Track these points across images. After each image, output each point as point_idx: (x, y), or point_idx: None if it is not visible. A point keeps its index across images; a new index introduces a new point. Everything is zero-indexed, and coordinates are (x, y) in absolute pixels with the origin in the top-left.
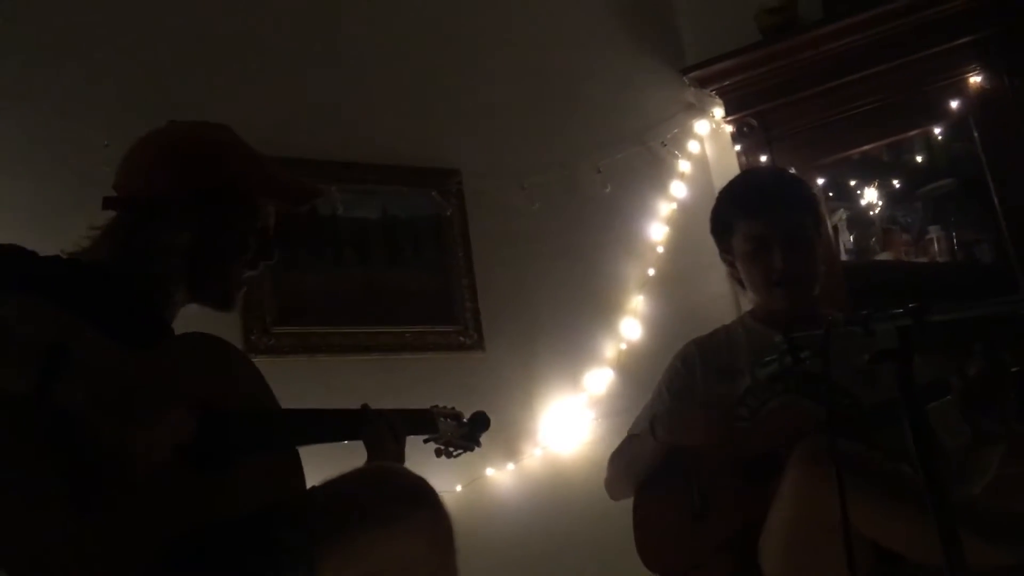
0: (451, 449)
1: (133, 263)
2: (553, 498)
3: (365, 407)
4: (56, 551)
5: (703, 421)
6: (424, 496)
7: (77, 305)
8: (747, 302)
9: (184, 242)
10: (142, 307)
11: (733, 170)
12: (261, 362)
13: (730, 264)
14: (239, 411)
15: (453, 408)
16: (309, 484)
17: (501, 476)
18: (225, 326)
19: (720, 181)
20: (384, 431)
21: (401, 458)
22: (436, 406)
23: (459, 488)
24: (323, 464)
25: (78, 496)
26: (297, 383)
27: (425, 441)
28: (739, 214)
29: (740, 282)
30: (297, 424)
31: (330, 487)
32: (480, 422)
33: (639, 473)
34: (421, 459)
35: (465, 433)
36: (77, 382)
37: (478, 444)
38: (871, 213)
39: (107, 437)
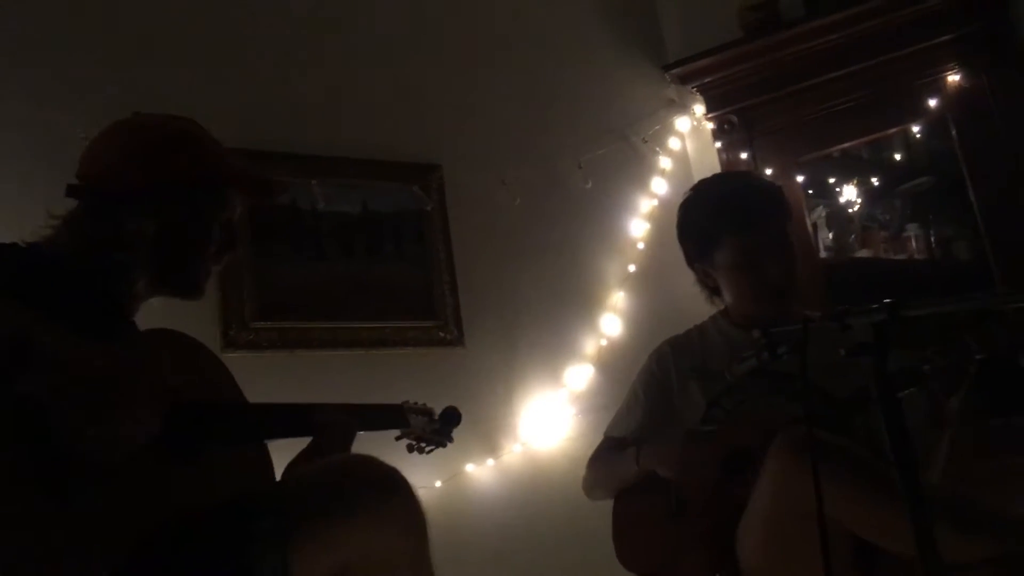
0: (423, 444)
1: (95, 253)
2: (533, 494)
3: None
4: (25, 545)
5: (688, 458)
6: (396, 485)
7: (36, 298)
8: (717, 305)
9: (150, 232)
10: (103, 300)
11: (714, 167)
12: (240, 357)
13: (703, 273)
14: (208, 403)
15: (424, 404)
16: (278, 476)
17: (481, 472)
18: (204, 321)
19: (701, 178)
20: (339, 428)
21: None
22: (407, 402)
23: (438, 484)
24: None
25: (47, 488)
26: (276, 378)
27: (397, 438)
28: (728, 228)
29: (712, 289)
30: (265, 417)
31: (302, 476)
32: (451, 417)
33: (619, 487)
34: (399, 455)
35: (436, 428)
36: (40, 374)
37: (450, 439)
38: (850, 210)
39: (71, 429)
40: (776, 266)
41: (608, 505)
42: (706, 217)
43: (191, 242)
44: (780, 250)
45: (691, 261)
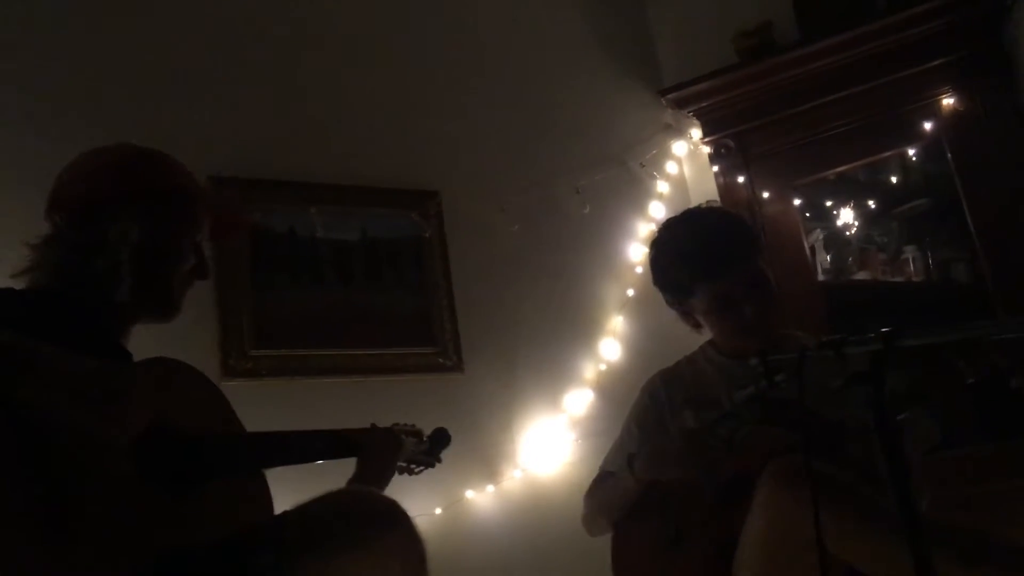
0: (412, 466)
1: (79, 264)
2: (533, 520)
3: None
4: None
5: (680, 454)
6: (396, 518)
7: (31, 336)
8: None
9: (133, 235)
10: (96, 331)
11: (711, 190)
12: (239, 385)
13: (683, 314)
14: (206, 435)
15: (413, 425)
16: (283, 506)
17: (481, 498)
18: (203, 349)
19: (698, 201)
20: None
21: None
22: (396, 424)
23: (439, 511)
24: (294, 485)
25: (48, 522)
26: (276, 406)
27: None
28: (699, 278)
29: (695, 325)
30: (263, 446)
31: (301, 510)
32: (440, 439)
33: (616, 511)
34: (397, 481)
35: (426, 450)
36: (41, 378)
37: (439, 460)
38: (847, 233)
39: (77, 429)
40: (752, 306)
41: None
42: (675, 267)
43: (167, 255)
44: (754, 290)
45: (669, 303)
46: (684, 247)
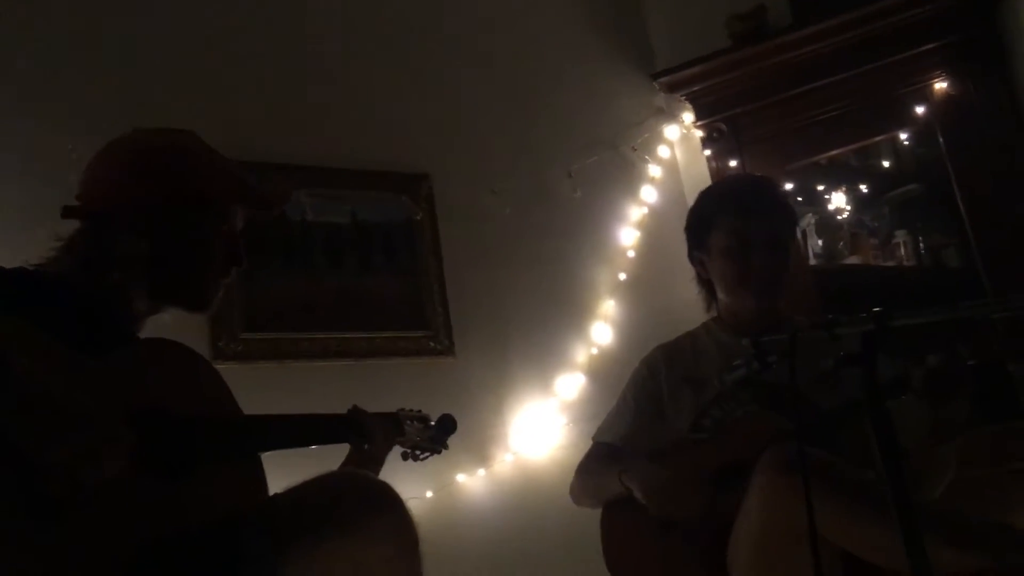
0: (418, 452)
1: (93, 274)
2: (524, 504)
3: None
4: (13, 568)
5: (680, 495)
6: (388, 502)
7: (32, 315)
8: (712, 309)
9: (143, 252)
10: (101, 316)
11: (703, 174)
12: (230, 368)
13: (700, 264)
14: (201, 417)
15: (419, 411)
16: (274, 489)
17: (472, 482)
18: (193, 332)
19: (690, 185)
20: (382, 431)
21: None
22: (402, 409)
23: (430, 494)
24: (289, 469)
25: (34, 509)
26: (266, 389)
27: None
28: (723, 210)
29: (707, 285)
30: (258, 430)
31: (293, 494)
32: (447, 424)
33: (605, 500)
34: (390, 465)
35: (432, 436)
36: (8, 397)
37: (445, 447)
38: (839, 217)
39: (31, 453)
40: (763, 259)
41: (600, 517)
42: (709, 202)
43: (192, 258)
44: (771, 251)
45: (690, 251)
46: (724, 187)
